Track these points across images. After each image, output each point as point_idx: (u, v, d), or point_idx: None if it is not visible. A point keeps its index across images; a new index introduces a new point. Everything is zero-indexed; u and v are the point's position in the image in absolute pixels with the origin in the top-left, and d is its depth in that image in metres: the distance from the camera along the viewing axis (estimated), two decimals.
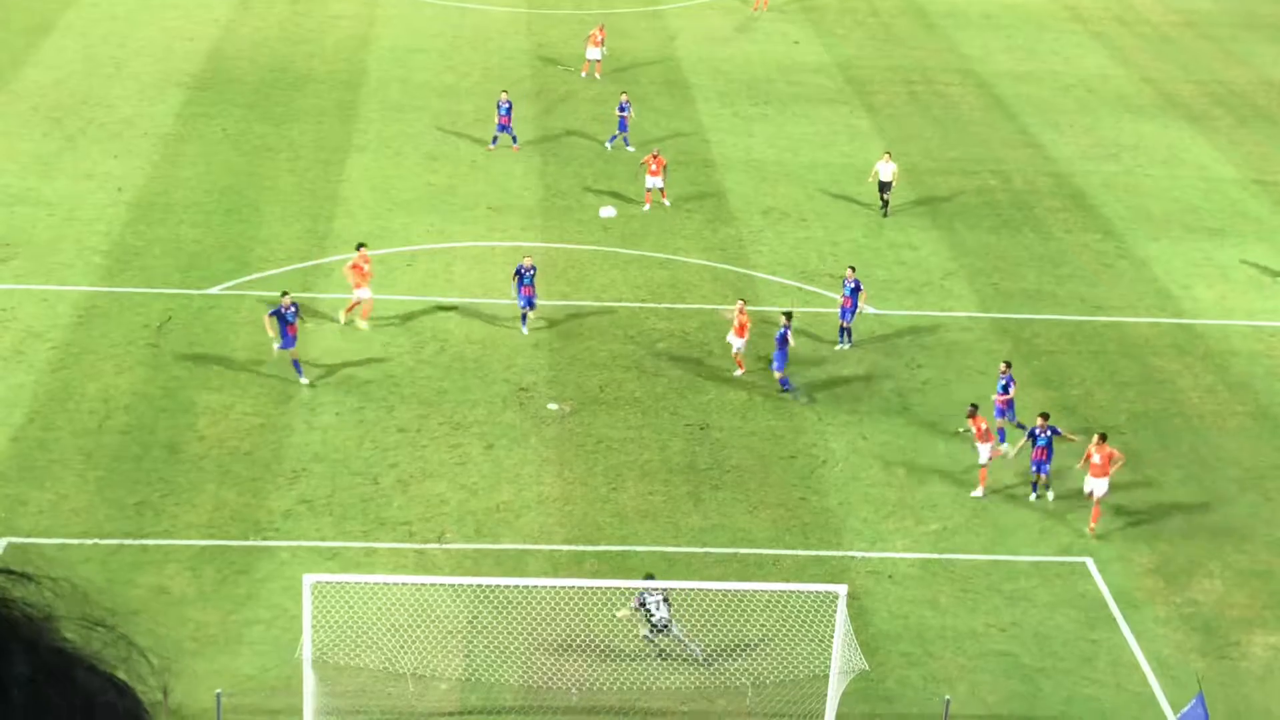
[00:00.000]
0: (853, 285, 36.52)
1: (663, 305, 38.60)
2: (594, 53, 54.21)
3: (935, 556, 29.39)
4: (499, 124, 47.35)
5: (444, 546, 28.66)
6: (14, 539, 28.02)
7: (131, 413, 32.35)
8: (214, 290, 37.75)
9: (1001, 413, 32.92)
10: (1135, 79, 59.14)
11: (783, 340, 34.17)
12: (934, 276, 41.21)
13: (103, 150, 45.88)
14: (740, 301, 35.82)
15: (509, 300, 37.75)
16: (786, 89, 55.02)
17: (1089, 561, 29.53)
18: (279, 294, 34.48)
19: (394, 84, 53.19)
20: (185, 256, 39.38)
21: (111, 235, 40.32)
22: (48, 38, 55.45)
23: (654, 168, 43.65)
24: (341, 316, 36.45)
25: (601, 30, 53.33)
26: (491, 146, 47.39)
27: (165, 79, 52.11)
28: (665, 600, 26.01)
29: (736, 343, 35.25)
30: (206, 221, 41.49)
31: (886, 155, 44.56)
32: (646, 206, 43.93)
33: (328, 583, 25.00)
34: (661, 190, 43.89)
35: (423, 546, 28.64)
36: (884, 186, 43.95)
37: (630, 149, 47.90)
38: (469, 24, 60.27)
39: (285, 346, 33.49)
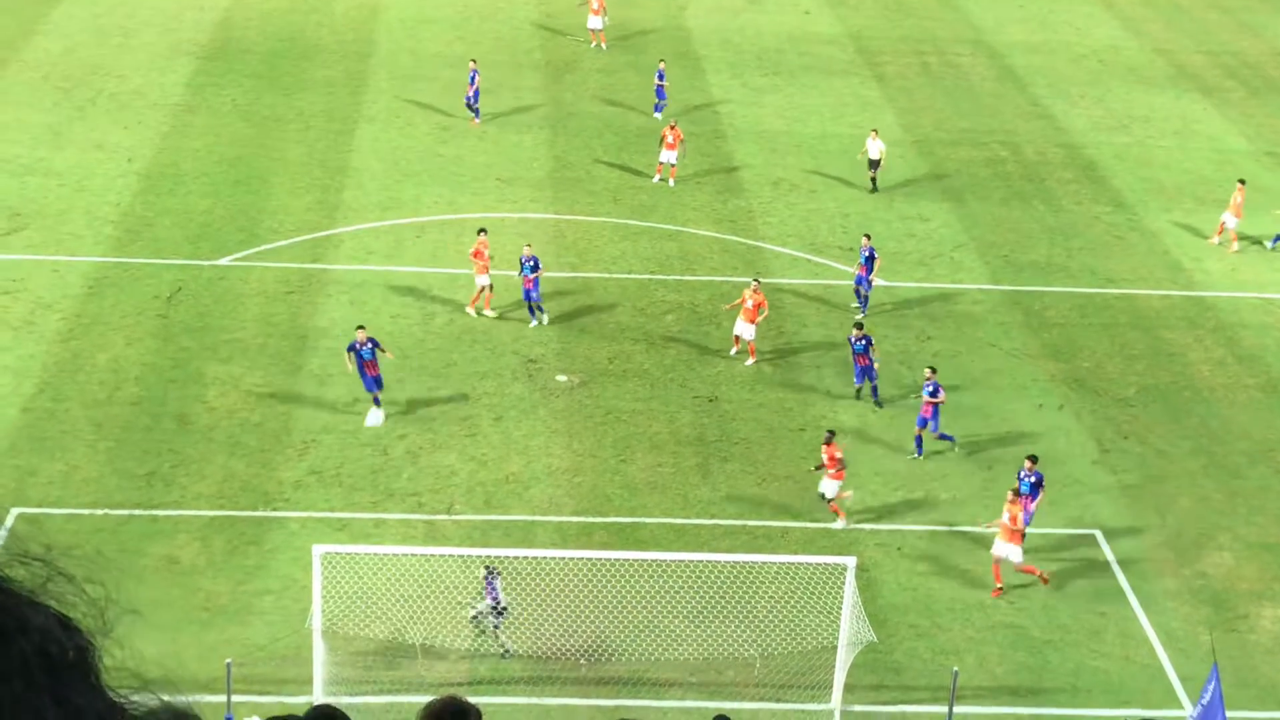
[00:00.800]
0: (868, 253, 36.41)
1: (672, 277, 38.55)
2: (595, 21, 54.01)
3: (944, 529, 29.40)
4: (470, 93, 46.82)
5: (453, 518, 28.72)
6: (25, 509, 28.11)
7: (141, 383, 32.40)
8: (224, 261, 37.76)
9: (924, 422, 31.44)
10: (1147, 50, 58.85)
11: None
12: (944, 248, 41.11)
13: (113, 121, 45.85)
14: (755, 281, 35.23)
15: (516, 273, 37.67)
16: (797, 60, 54.82)
17: (1098, 533, 29.53)
18: (355, 329, 31.66)
19: (404, 54, 53.07)
20: (195, 227, 39.37)
21: (121, 206, 40.32)
22: (57, 7, 55.35)
23: (670, 140, 43.30)
24: (470, 310, 35.89)
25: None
26: (477, 121, 46.95)
27: (175, 49, 52.02)
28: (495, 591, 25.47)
29: (747, 331, 34.49)
30: (216, 192, 41.47)
31: (874, 133, 44.31)
32: (655, 178, 43.76)
33: (337, 553, 25.07)
34: (673, 166, 43.50)
35: (432, 517, 28.69)
36: (873, 164, 43.67)
37: (658, 116, 47.78)
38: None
39: (368, 389, 31.22)
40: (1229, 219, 41.96)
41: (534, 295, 35.44)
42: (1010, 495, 27.73)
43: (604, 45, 53.90)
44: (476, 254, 35.62)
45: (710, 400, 33.25)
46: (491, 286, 35.70)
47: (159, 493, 28.86)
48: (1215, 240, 42.25)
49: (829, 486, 29.18)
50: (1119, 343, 36.94)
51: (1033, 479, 28.68)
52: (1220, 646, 26.44)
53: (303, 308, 35.88)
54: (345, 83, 50.00)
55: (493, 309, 35.92)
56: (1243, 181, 42.65)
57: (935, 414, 31.26)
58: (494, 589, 25.44)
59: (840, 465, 29.03)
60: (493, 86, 49.51)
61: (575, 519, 29.00)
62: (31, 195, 40.60)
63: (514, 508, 29.13)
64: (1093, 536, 29.46)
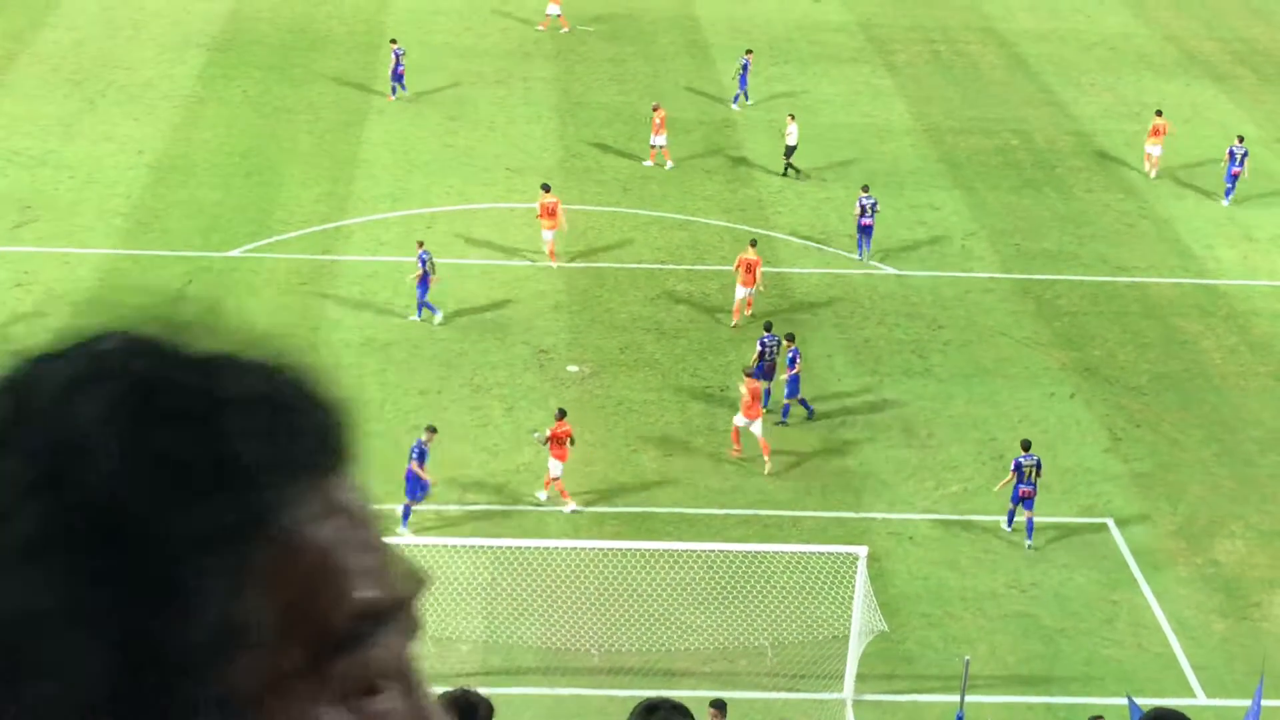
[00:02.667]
0: (871, 202, 38.54)
1: (682, 267, 38.55)
2: (553, 8, 53.92)
3: (955, 518, 29.41)
4: (394, 73, 47.43)
5: (465, 508, 28.72)
6: None
7: None
8: (234, 253, 37.81)
9: (794, 391, 31.78)
10: (1157, 37, 58.69)
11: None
12: (955, 236, 41.07)
13: (123, 112, 45.90)
14: (750, 246, 35.96)
15: (528, 262, 37.73)
16: (807, 48, 54.74)
17: (1109, 522, 29.52)
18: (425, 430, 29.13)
19: (413, 45, 52.98)
20: (205, 219, 39.42)
21: (132, 198, 40.38)
22: None
23: (656, 122, 43.63)
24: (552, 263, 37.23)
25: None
26: (392, 97, 47.58)
27: (185, 40, 52.05)
28: None
29: (741, 291, 35.17)
30: (226, 184, 41.51)
31: (790, 117, 44.28)
32: (648, 162, 43.93)
33: None
34: (664, 149, 43.70)
35: (442, 508, 28.73)
36: (789, 150, 43.49)
37: (735, 108, 48.37)
38: None
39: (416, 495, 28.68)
40: (1153, 149, 45.16)
41: (424, 299, 34.83)
42: (744, 374, 30.56)
43: (564, 28, 53.78)
44: (547, 211, 37.06)
45: (722, 390, 33.25)
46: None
47: None
48: (1151, 172, 45.16)
49: (553, 466, 28.72)
50: (1131, 331, 36.89)
51: (1033, 465, 28.44)
52: (1232, 635, 26.47)
53: (314, 300, 35.92)
54: (355, 74, 50.00)
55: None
56: (1159, 112, 46.03)
57: (795, 381, 31.74)
58: None
59: (564, 444, 28.43)
60: (503, 77, 49.53)
61: (587, 509, 29.03)
62: (42, 187, 40.67)
63: (526, 498, 29.17)
64: (1105, 525, 29.45)
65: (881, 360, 34.84)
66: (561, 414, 29.13)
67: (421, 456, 28.02)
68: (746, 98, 48.73)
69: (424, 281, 34.66)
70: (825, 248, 39.90)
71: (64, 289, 35.64)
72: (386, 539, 1.34)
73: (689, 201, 42.12)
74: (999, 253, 40.38)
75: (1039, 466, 28.54)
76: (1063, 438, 32.21)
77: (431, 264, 34.76)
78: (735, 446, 30.33)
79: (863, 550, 25.04)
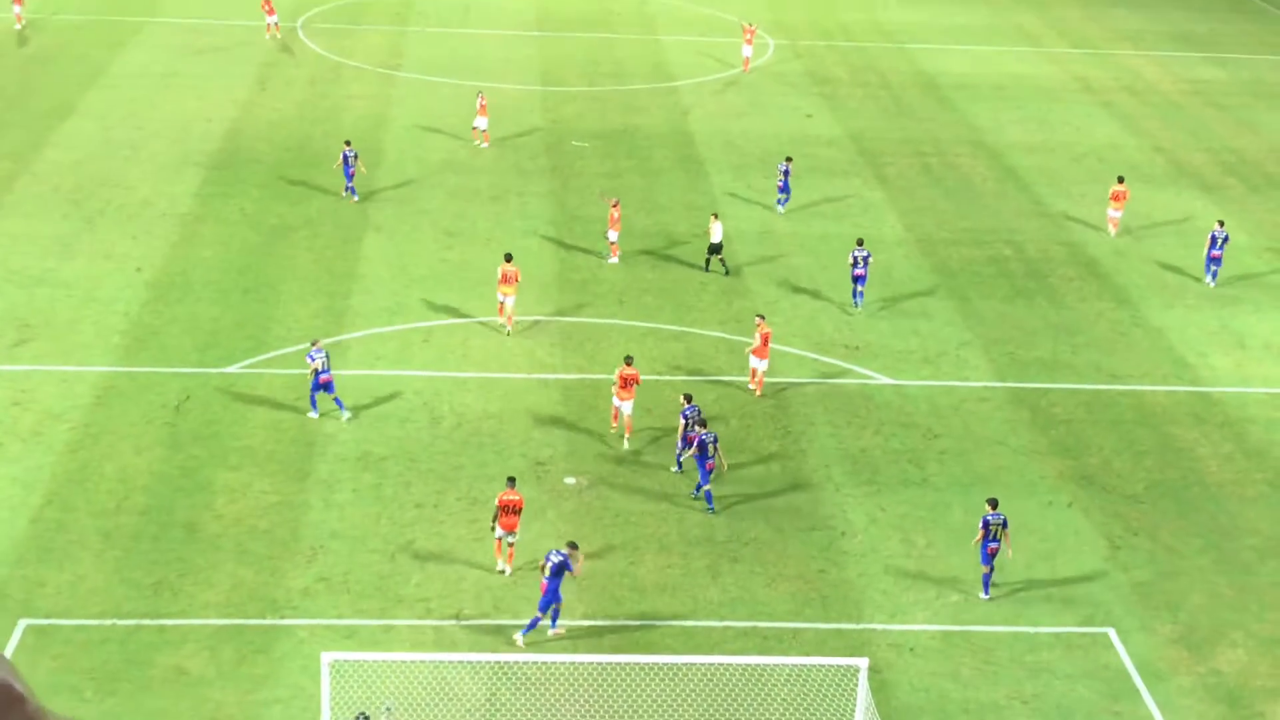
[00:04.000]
0: (864, 255, 42.20)
1: (679, 377, 38.64)
2: (481, 121, 54.67)
3: (956, 628, 29.23)
4: (346, 174, 49.13)
5: (461, 623, 28.58)
6: (33, 620, 28.01)
7: (149, 492, 32.40)
8: (232, 369, 37.90)
9: (687, 444, 33.18)
10: (1146, 148, 59.38)
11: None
12: (949, 346, 41.24)
13: (121, 231, 46.23)
14: (759, 318, 38.13)
15: (524, 375, 37.86)
16: (799, 162, 55.29)
17: (1111, 632, 29.35)
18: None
19: (410, 161, 53.60)
20: (203, 335, 39.56)
21: (130, 315, 40.55)
22: (68, 120, 56.02)
23: (615, 216, 45.23)
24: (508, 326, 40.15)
25: (482, 96, 54.81)
26: (343, 195, 49.29)
27: (183, 159, 52.57)
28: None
29: (761, 365, 37.50)
30: (224, 300, 41.71)
31: (714, 216, 45.51)
32: (613, 259, 45.26)
33: (346, 661, 24.94)
34: (614, 245, 45.31)
35: (440, 623, 28.56)
36: (714, 248, 44.83)
37: (780, 210, 50.06)
38: (488, 102, 60.75)
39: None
40: (1115, 213, 49.41)
41: (331, 388, 35.56)
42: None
43: (485, 144, 54.64)
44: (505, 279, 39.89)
45: (718, 500, 33.17)
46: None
47: (166, 602, 28.77)
48: (1112, 231, 49.36)
49: (502, 534, 29.92)
50: (1126, 439, 36.94)
51: (999, 521, 29.57)
52: None
53: (310, 414, 35.93)
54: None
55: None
56: (1121, 179, 50.41)
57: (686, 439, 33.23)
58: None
59: (510, 512, 29.57)
60: (499, 193, 49.98)
61: (584, 622, 28.86)
62: (40, 306, 40.85)
63: (523, 612, 28.98)
64: (1106, 635, 29.27)
65: (878, 470, 34.84)
66: (511, 482, 30.16)
67: (560, 570, 27.71)
68: (786, 199, 50.21)
69: (317, 379, 35.33)
70: (820, 358, 40.04)
71: (61, 408, 35.68)
72: None
73: (685, 313, 42.33)
74: (993, 362, 40.53)
75: (1005, 524, 29.73)
76: (1061, 546, 32.13)
77: (325, 360, 35.29)
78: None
79: (864, 662, 24.86)
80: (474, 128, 55.08)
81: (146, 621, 28.16)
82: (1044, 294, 45.11)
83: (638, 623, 28.90)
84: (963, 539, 32.13)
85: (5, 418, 35.13)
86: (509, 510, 29.65)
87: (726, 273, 44.90)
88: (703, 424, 33.13)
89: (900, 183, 53.96)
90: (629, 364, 35.14)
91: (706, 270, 44.86)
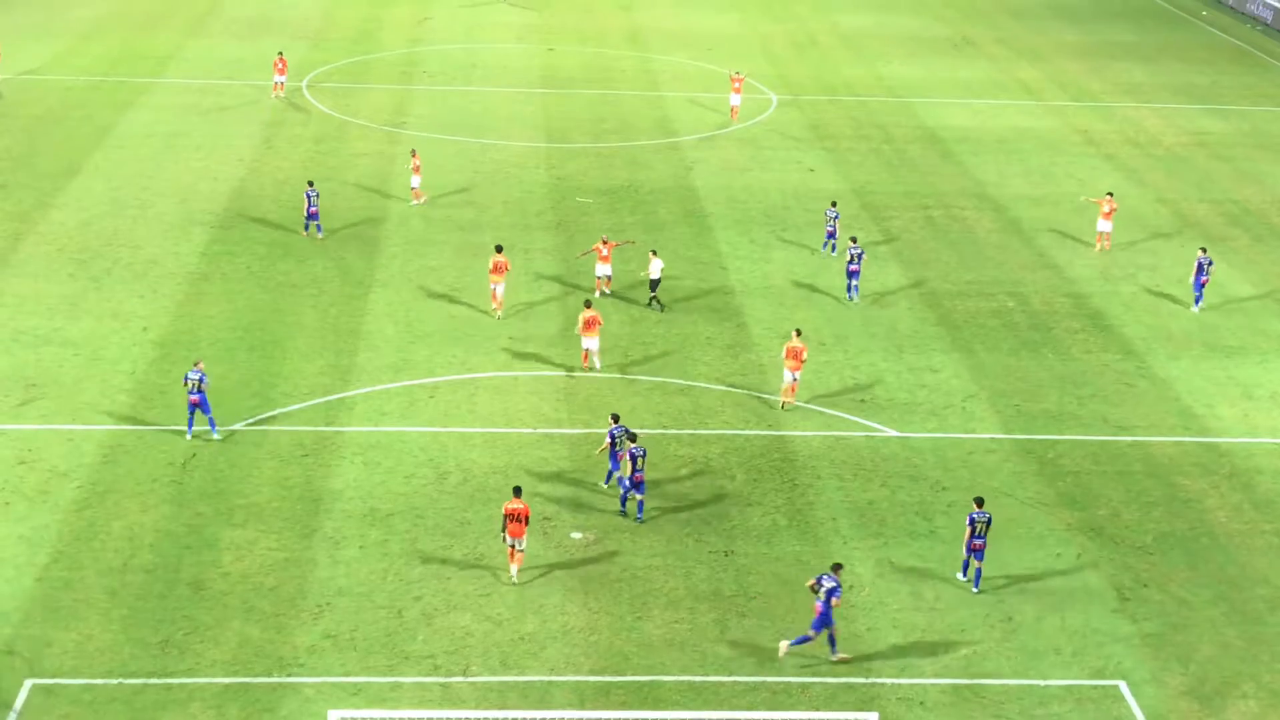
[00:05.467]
0: (858, 251, 46.41)
1: (684, 431, 38.64)
2: (415, 180, 54.89)
3: (966, 682, 29.08)
4: (308, 212, 50.85)
5: (469, 680, 28.47)
6: (39, 680, 27.92)
7: (156, 550, 32.36)
8: (237, 426, 37.91)
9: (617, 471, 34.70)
10: (1150, 200, 59.54)
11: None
12: (955, 399, 41.22)
13: (128, 290, 46.37)
14: (796, 331, 40.40)
15: (530, 430, 37.87)
16: (803, 216, 55.51)
17: (1122, 684, 29.19)
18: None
19: (415, 218, 53.80)
20: (210, 394, 39.56)
21: (136, 374, 40.61)
22: (75, 180, 56.30)
23: (604, 253, 46.48)
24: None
25: (415, 155, 55.37)
26: (304, 234, 51.03)
27: (190, 218, 52.79)
28: None
29: (789, 377, 39.49)
30: (230, 358, 41.79)
31: (653, 254, 46.72)
32: (597, 293, 46.66)
33: (353, 719, 24.81)
34: (608, 279, 46.91)
35: (447, 680, 28.44)
36: (653, 284, 46.04)
37: (824, 251, 51.62)
38: (489, 159, 61.06)
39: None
40: (1105, 226, 52.52)
41: (206, 408, 37.15)
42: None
43: (421, 200, 54.92)
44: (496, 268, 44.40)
45: (726, 554, 33.13)
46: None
47: (173, 661, 28.68)
48: (1104, 246, 52.57)
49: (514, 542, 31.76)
50: (1134, 490, 36.85)
51: (985, 519, 31.41)
52: None
53: (316, 471, 35.96)
54: (358, 247, 50.62)
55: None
56: (1110, 194, 54.09)
57: (615, 458, 34.77)
58: None
59: (517, 520, 31.28)
60: (505, 248, 50.08)
61: (592, 678, 28.73)
62: (47, 365, 40.93)
63: (530, 668, 28.89)
64: (1117, 688, 29.11)
65: (886, 523, 34.76)
66: (516, 491, 31.98)
67: (830, 594, 29.04)
68: (834, 246, 51.36)
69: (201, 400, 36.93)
70: (826, 410, 40.02)
71: (68, 466, 35.68)
72: None
73: (690, 367, 42.37)
74: (1000, 414, 40.50)
75: (989, 522, 31.64)
76: (1071, 598, 32.00)
77: (198, 383, 36.73)
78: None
79: (873, 717, 24.73)
80: (412, 188, 55.03)
81: (153, 680, 28.06)
82: (1049, 346, 45.14)
83: (646, 678, 28.77)
84: (970, 591, 32.03)
85: (12, 477, 35.14)
86: (514, 518, 31.26)
87: (661, 309, 46.12)
88: (632, 438, 34.47)
89: (904, 236, 54.10)
90: (588, 307, 41.49)
91: (649, 306, 46.32)
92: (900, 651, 29.95)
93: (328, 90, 70.09)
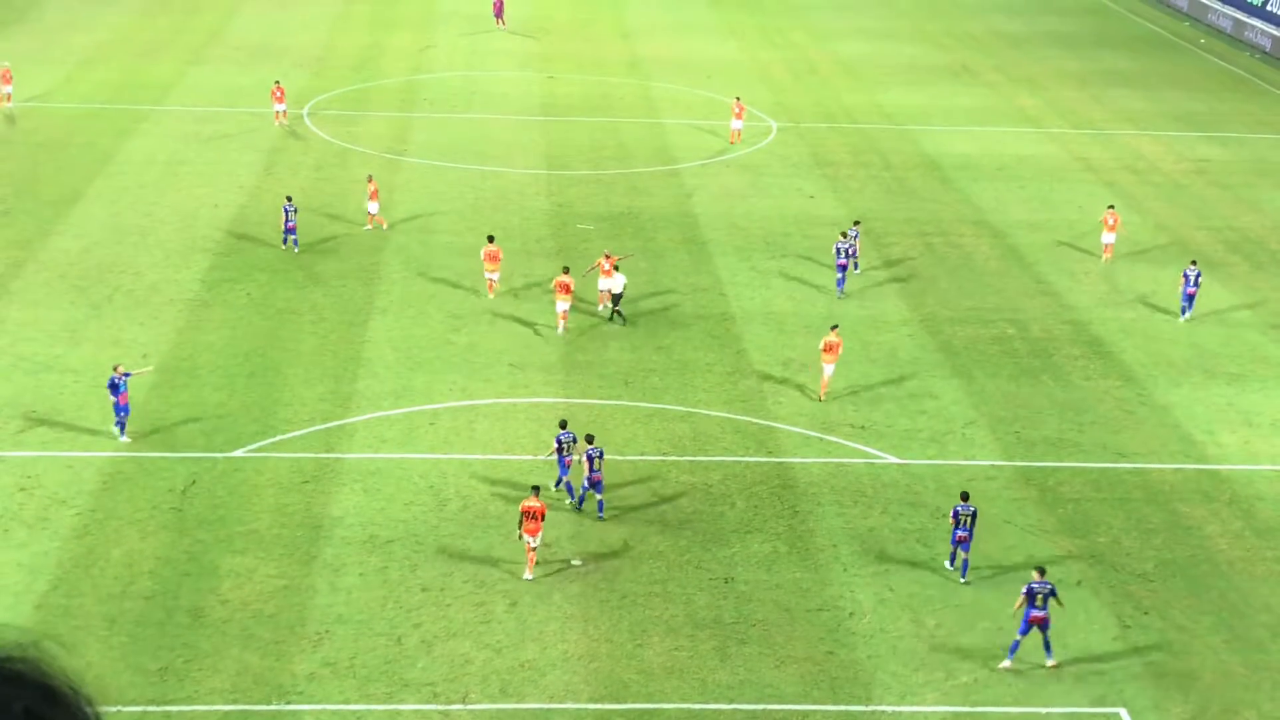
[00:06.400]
0: (846, 246, 49.56)
1: (685, 458, 38.63)
2: (373, 207, 54.88)
3: (967, 710, 29.01)
4: (285, 227, 52.24)
5: (468, 707, 28.41)
6: None
7: (155, 578, 32.32)
8: (237, 453, 37.92)
9: (565, 481, 36.04)
10: (1149, 226, 59.63)
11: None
12: (955, 425, 41.22)
13: (129, 317, 46.41)
14: (832, 327, 42.88)
15: (530, 457, 37.85)
16: (802, 242, 55.59)
17: (1123, 712, 29.13)
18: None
19: (415, 245, 53.88)
20: (209, 420, 39.61)
21: (136, 400, 40.61)
22: (76, 207, 56.41)
23: (607, 268, 47.32)
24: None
25: (372, 181, 55.43)
26: (284, 247, 52.36)
27: (191, 245, 52.87)
28: None
29: (829, 370, 41.81)
30: (230, 385, 41.80)
31: (615, 267, 47.61)
32: (600, 306, 47.66)
33: None
34: (610, 294, 47.60)
35: (446, 708, 28.39)
36: (615, 298, 47.11)
37: (856, 272, 52.18)
38: (489, 185, 61.19)
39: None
40: (1108, 238, 54.28)
41: (120, 410, 38.23)
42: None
43: (381, 226, 54.98)
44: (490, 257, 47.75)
45: (726, 581, 33.08)
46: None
47: (172, 688, 28.62)
48: (1106, 256, 54.51)
49: (529, 540, 32.75)
50: (1135, 517, 36.82)
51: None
52: None
53: (316, 497, 35.94)
54: (358, 274, 50.70)
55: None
56: (1112, 206, 55.85)
57: (563, 466, 36.08)
58: None
59: (534, 518, 32.42)
60: (506, 274, 50.20)
61: (592, 706, 28.67)
62: (47, 392, 40.94)
63: (530, 695, 28.82)
64: (1118, 715, 29.05)
65: (886, 549, 34.73)
66: (535, 490, 33.46)
67: (1045, 599, 30.24)
68: (856, 268, 52.09)
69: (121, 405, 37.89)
70: (826, 437, 40.02)
71: (68, 493, 35.66)
72: None
73: (690, 394, 42.38)
74: (1000, 440, 40.49)
75: (974, 515, 33.20)
76: (1072, 625, 31.95)
77: (120, 384, 37.72)
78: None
79: None
80: (369, 214, 55.04)
81: (152, 708, 28.00)
82: (1049, 372, 45.15)
83: (646, 706, 28.71)
84: (973, 619, 31.99)
85: (11, 504, 35.12)
86: (530, 516, 32.38)
87: (624, 322, 46.99)
88: (589, 439, 35.65)
89: (904, 262, 54.17)
90: (565, 273, 46.07)
91: (610, 320, 47.18)
92: (901, 679, 29.88)
93: (329, 118, 70.24)
